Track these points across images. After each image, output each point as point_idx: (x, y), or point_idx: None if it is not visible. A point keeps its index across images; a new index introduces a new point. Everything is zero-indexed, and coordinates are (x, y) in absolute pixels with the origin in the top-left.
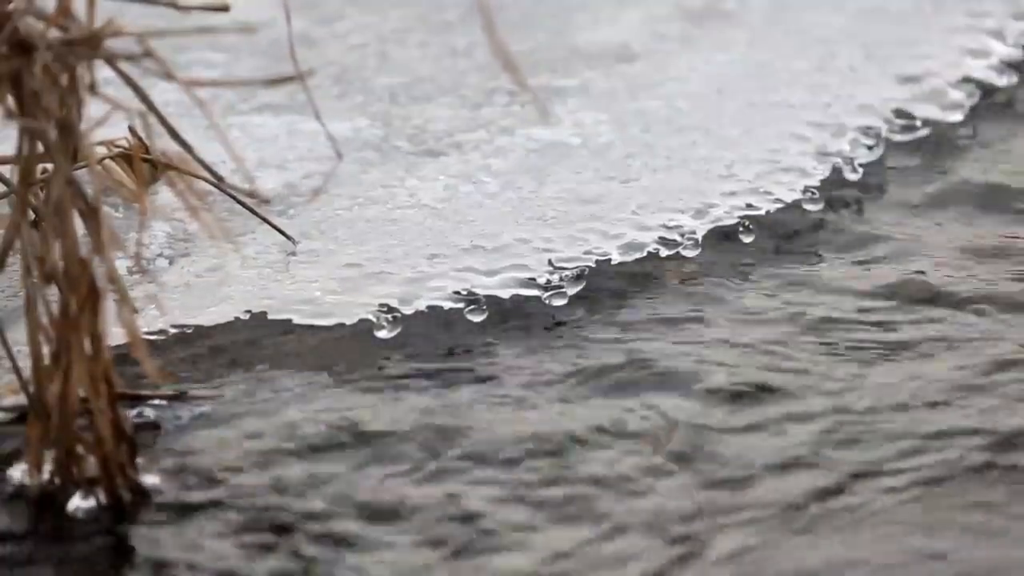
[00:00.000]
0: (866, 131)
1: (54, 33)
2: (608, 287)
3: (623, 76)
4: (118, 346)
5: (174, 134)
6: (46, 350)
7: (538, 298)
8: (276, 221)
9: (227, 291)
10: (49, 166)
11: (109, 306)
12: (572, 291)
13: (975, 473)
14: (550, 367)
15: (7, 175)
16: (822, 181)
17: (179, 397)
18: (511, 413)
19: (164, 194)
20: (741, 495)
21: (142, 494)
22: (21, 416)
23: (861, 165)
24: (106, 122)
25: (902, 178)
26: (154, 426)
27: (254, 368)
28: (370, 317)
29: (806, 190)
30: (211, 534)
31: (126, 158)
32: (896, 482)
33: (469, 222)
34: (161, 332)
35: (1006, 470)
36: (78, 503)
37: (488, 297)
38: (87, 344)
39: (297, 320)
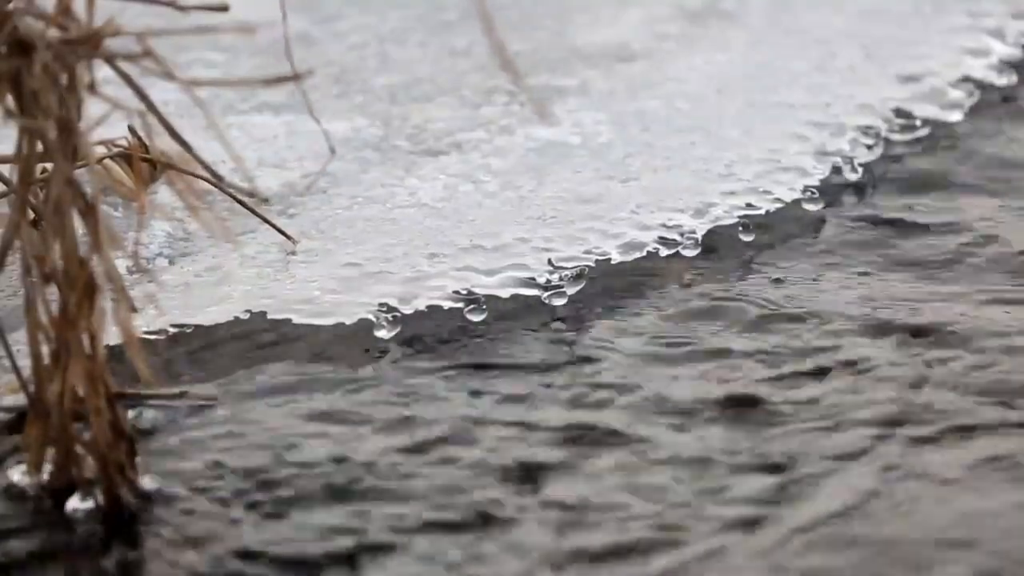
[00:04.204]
0: (866, 131)
1: (54, 33)
2: (608, 286)
3: (623, 76)
4: (118, 345)
5: (174, 134)
6: (45, 350)
7: (538, 298)
8: (276, 221)
9: (226, 290)
10: (49, 166)
11: (107, 305)
12: (572, 291)
13: None
14: (550, 367)
15: (7, 175)
16: (822, 181)
17: (178, 397)
18: (511, 414)
19: (164, 194)
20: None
21: (141, 495)
22: (21, 416)
23: (861, 165)
24: (106, 122)
25: (902, 178)
26: (153, 426)
27: (253, 368)
28: (370, 316)
29: (806, 190)
30: (210, 535)
31: (126, 158)
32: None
33: (469, 221)
34: (160, 331)
35: None
36: (76, 504)
37: (488, 296)
38: (86, 343)
39: (297, 319)
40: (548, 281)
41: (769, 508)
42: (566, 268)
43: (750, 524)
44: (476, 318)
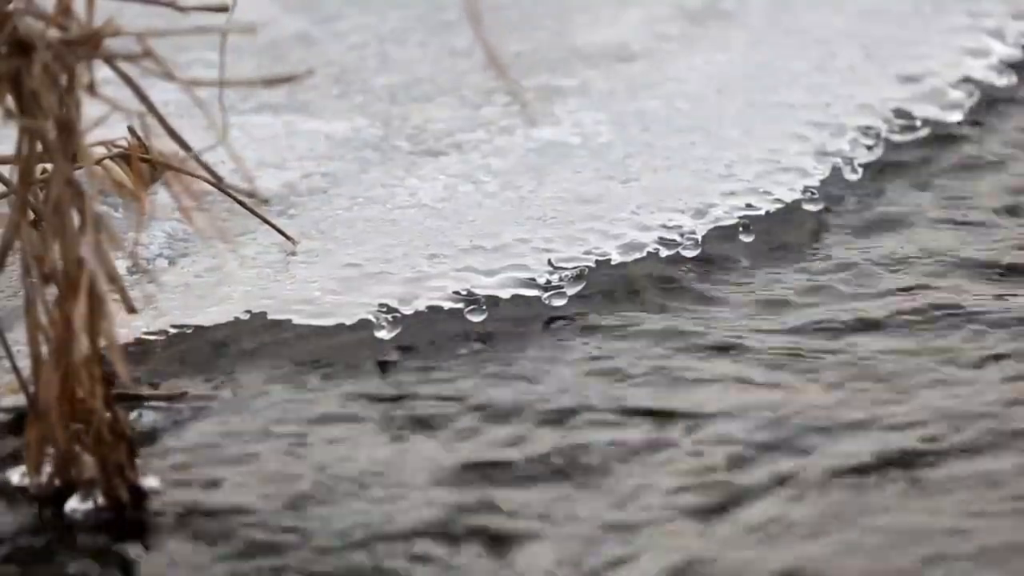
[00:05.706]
0: (866, 131)
1: (54, 33)
2: (608, 287)
3: (623, 76)
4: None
5: (173, 134)
6: (45, 350)
7: (538, 298)
8: (276, 221)
9: (226, 291)
10: (49, 166)
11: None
12: (572, 291)
13: None
14: (550, 367)
15: (7, 175)
16: (822, 181)
17: (178, 397)
18: (510, 413)
19: (164, 194)
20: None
21: (140, 495)
22: (21, 416)
23: (861, 165)
24: (105, 122)
25: (902, 178)
26: (153, 427)
27: (253, 368)
28: (370, 317)
29: (806, 190)
30: (209, 535)
31: (125, 158)
32: None
33: (469, 222)
34: (160, 332)
35: None
36: (76, 504)
37: (488, 297)
38: (85, 344)
39: (297, 320)
40: (548, 281)
41: None
42: (566, 268)
43: None
44: (476, 319)
